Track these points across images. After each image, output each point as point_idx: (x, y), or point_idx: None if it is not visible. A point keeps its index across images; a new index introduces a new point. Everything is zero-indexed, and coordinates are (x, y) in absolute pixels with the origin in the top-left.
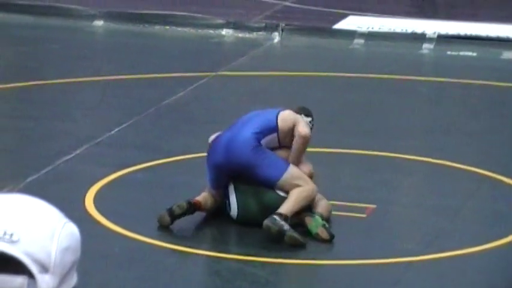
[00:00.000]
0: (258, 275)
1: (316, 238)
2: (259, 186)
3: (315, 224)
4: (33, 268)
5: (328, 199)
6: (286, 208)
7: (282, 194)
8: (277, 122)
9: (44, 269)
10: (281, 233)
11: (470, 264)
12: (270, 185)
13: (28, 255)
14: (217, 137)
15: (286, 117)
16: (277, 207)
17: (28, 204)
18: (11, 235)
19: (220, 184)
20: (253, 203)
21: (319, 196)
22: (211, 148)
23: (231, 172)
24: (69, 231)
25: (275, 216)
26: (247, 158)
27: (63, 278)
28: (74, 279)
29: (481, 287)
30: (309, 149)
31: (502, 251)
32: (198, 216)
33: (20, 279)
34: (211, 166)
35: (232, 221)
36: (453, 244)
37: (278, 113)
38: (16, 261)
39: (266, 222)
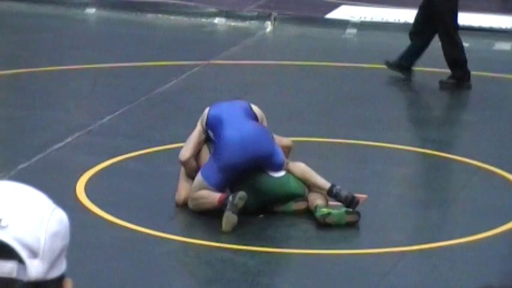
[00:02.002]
0: (249, 265)
1: (348, 225)
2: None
3: (338, 218)
4: (23, 253)
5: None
6: (322, 182)
7: (272, 174)
8: (256, 116)
9: (33, 254)
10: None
11: (462, 256)
12: (277, 169)
13: (17, 240)
14: (225, 139)
15: (259, 112)
16: (269, 188)
17: (17, 191)
18: (0, 220)
19: (228, 184)
20: (246, 186)
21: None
22: (225, 150)
23: (247, 168)
24: (58, 217)
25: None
26: (270, 148)
27: (52, 264)
28: (63, 265)
29: (473, 278)
30: (301, 139)
31: (493, 242)
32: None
33: (9, 265)
34: (228, 167)
35: (222, 210)
36: (444, 235)
37: (250, 106)
38: (5, 247)
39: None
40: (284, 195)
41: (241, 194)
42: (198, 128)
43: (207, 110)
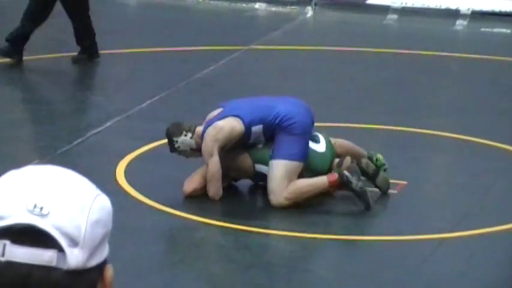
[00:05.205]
0: (287, 250)
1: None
2: None
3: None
4: (63, 242)
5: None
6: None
7: (318, 150)
8: None
9: (74, 242)
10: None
11: (500, 243)
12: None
13: (58, 228)
14: (287, 109)
15: None
16: (319, 165)
17: (59, 176)
18: (41, 208)
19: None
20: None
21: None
22: (294, 115)
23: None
24: (100, 204)
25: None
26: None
27: (93, 252)
28: (104, 252)
29: (510, 265)
30: (340, 125)
31: None
32: (226, 190)
33: (49, 253)
34: (305, 128)
35: (259, 194)
36: (483, 222)
37: None
38: (46, 235)
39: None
40: (326, 170)
41: (353, 166)
42: (215, 158)
43: (233, 122)
